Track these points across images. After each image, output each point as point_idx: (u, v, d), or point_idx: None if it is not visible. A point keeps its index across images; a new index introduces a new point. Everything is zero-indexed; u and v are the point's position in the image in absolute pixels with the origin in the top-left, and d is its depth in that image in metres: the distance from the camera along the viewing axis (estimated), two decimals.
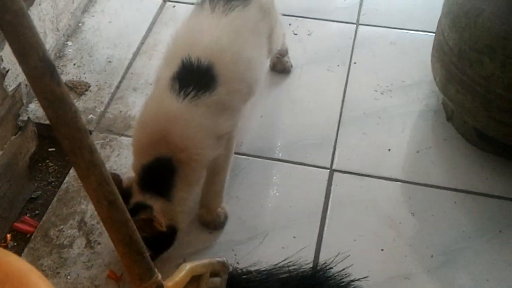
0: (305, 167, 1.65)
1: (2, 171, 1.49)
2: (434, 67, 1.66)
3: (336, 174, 1.63)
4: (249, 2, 1.45)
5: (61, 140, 0.90)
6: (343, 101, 1.82)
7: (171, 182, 1.31)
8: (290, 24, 2.06)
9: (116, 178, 1.26)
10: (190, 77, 1.31)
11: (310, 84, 1.87)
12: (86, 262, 1.44)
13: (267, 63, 1.59)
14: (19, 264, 0.77)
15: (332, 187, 1.60)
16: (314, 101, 1.82)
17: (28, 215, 1.56)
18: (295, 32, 2.04)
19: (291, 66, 1.88)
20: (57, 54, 1.96)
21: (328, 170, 1.64)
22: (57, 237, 1.49)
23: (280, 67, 1.88)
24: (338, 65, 1.92)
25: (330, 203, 1.56)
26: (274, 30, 1.60)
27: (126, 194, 1.26)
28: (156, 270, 1.04)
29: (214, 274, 1.24)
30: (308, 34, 2.04)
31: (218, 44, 1.36)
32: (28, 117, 1.61)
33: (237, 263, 1.40)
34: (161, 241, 1.32)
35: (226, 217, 1.51)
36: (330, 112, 1.79)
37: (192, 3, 1.54)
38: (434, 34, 1.69)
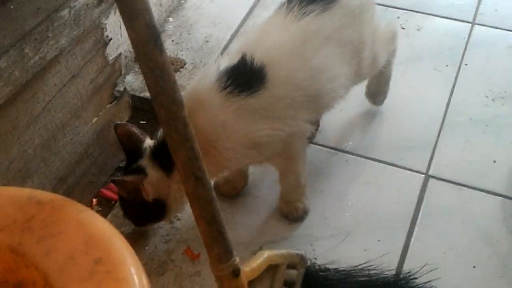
0: (399, 169, 1.57)
1: (96, 137, 1.51)
2: None
3: (431, 180, 1.54)
4: (330, 7, 1.32)
5: (157, 110, 0.89)
6: (448, 104, 1.72)
7: None
8: (398, 17, 1.98)
9: (133, 131, 1.29)
10: (237, 73, 1.24)
11: (413, 82, 1.78)
12: (165, 235, 1.44)
13: (353, 79, 1.41)
14: (104, 226, 0.76)
15: (426, 193, 1.51)
16: (415, 101, 1.73)
17: None
18: (403, 26, 1.95)
19: (384, 100, 1.68)
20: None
21: (424, 176, 1.55)
22: None
23: (372, 90, 1.67)
24: (446, 65, 1.83)
25: (421, 211, 1.47)
26: (367, 41, 1.41)
27: (139, 152, 1.28)
28: (234, 253, 1.01)
29: (291, 266, 1.20)
30: (417, 30, 1.94)
31: (278, 49, 1.27)
32: (125, 88, 1.63)
33: (315, 258, 1.36)
34: (144, 211, 1.30)
35: (305, 212, 1.46)
36: (432, 114, 1.70)
37: None
38: None
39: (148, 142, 1.30)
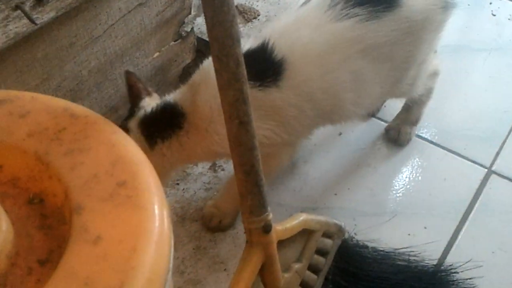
0: (461, 159, 1.48)
1: (154, 73, 1.49)
2: None
3: (493, 176, 1.44)
4: (381, 16, 1.12)
5: (211, 42, 0.84)
6: None
7: (164, 134, 1.17)
8: (490, 3, 1.84)
9: (136, 84, 1.21)
10: (253, 59, 1.10)
11: (494, 72, 1.67)
12: (206, 183, 1.41)
13: (381, 98, 1.30)
14: (135, 151, 0.72)
15: (485, 189, 1.41)
16: (492, 91, 1.62)
17: None
18: (494, 13, 1.82)
19: (408, 142, 1.51)
20: None
21: (486, 170, 1.45)
22: None
23: (393, 136, 1.50)
24: None
25: (477, 205, 1.38)
26: (417, 60, 1.24)
27: (136, 108, 1.19)
28: (269, 208, 0.96)
29: (327, 235, 1.14)
30: (508, 19, 1.81)
31: (304, 47, 1.12)
32: (192, 28, 1.59)
33: (355, 234, 1.29)
34: None
35: (223, 228, 1.32)
36: (507, 107, 1.59)
37: None
38: None
39: (147, 102, 1.21)
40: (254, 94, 1.08)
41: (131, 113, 1.21)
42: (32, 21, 0.95)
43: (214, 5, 0.81)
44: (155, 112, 1.17)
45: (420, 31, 1.19)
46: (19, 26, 0.97)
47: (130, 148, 0.72)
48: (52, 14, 1.04)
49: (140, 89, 1.23)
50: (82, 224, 0.63)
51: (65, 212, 0.67)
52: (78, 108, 0.76)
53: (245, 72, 0.86)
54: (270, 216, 0.97)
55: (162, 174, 1.15)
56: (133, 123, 1.18)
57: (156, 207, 0.66)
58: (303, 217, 1.07)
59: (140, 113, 1.19)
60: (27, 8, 0.96)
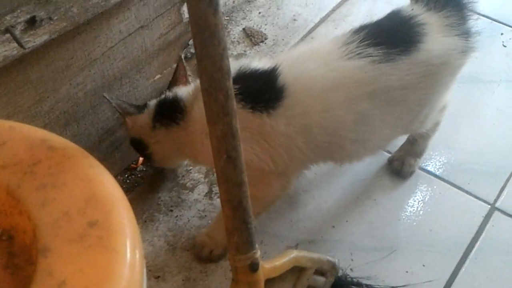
0: (464, 194, 1.43)
1: (155, 95, 1.46)
2: None
3: (496, 213, 1.39)
4: (396, 58, 1.08)
5: (200, 75, 0.81)
6: None
7: (165, 121, 1.23)
8: (502, 34, 1.81)
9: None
10: (254, 80, 1.10)
11: (502, 104, 1.63)
12: (201, 210, 1.38)
13: (390, 139, 1.27)
14: (111, 188, 0.70)
15: (488, 226, 1.37)
16: (500, 125, 1.58)
17: None
18: (505, 44, 1.79)
19: (411, 174, 1.46)
20: None
21: (489, 206, 1.40)
22: (183, 176, 1.45)
23: (396, 167, 1.46)
24: None
25: (478, 243, 1.33)
26: (429, 103, 1.21)
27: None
28: (257, 246, 0.93)
29: (320, 272, 1.11)
30: None
31: (308, 80, 1.09)
32: None
33: (351, 269, 1.26)
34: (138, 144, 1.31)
35: (211, 258, 1.30)
36: None
37: None
38: None
39: (179, 89, 1.26)
40: (246, 115, 1.08)
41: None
42: (21, 45, 0.94)
43: (203, 38, 0.79)
44: (170, 101, 1.23)
45: (437, 75, 1.15)
46: (8, 49, 0.96)
47: (107, 184, 0.70)
48: (45, 37, 1.03)
49: (180, 76, 1.30)
50: (47, 267, 0.60)
51: (33, 252, 0.64)
52: (57, 140, 0.74)
53: (234, 105, 0.84)
54: (258, 254, 0.93)
55: (164, 155, 1.29)
56: (151, 105, 1.26)
57: (128, 250, 0.63)
58: (294, 254, 1.04)
59: (162, 97, 1.26)
60: (18, 31, 0.94)
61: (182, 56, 1.41)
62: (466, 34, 1.15)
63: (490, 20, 1.85)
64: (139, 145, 1.30)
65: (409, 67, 1.10)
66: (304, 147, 1.13)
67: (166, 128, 1.22)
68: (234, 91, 0.83)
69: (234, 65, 1.11)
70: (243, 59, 1.19)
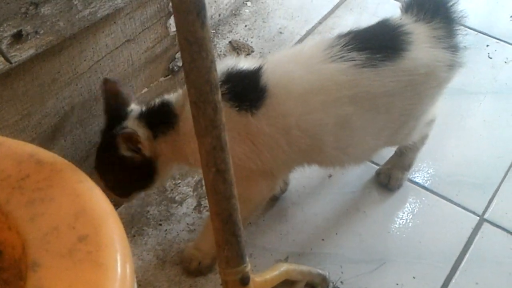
0: (452, 205, 1.43)
1: None
2: None
3: (485, 224, 1.39)
4: (379, 64, 1.08)
5: (188, 88, 0.81)
6: None
7: (159, 129, 1.15)
8: (487, 46, 1.83)
9: (121, 90, 1.18)
10: (240, 78, 1.10)
11: (489, 116, 1.63)
12: (190, 224, 1.37)
13: (376, 149, 1.25)
14: (100, 202, 0.69)
15: (477, 238, 1.37)
16: (487, 136, 1.58)
17: None
18: (490, 56, 1.80)
19: (398, 188, 1.46)
20: (233, 12, 1.91)
21: (478, 218, 1.40)
22: (172, 190, 1.44)
23: (383, 180, 1.46)
24: None
25: (468, 254, 1.33)
26: (416, 114, 1.20)
27: (122, 114, 1.16)
28: (247, 259, 0.93)
29: (311, 285, 1.10)
30: (505, 62, 1.79)
31: (289, 82, 1.09)
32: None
33: (341, 282, 1.25)
34: (133, 174, 1.17)
35: (200, 270, 1.27)
36: (502, 153, 1.54)
37: None
38: None
39: (134, 106, 1.19)
40: (231, 115, 1.06)
41: (113, 120, 1.17)
42: (7, 59, 0.93)
43: (191, 51, 0.79)
44: (153, 108, 1.17)
45: (422, 86, 1.14)
46: None
47: (96, 198, 0.69)
48: (31, 51, 1.02)
49: (125, 95, 1.19)
50: (36, 282, 0.59)
51: (22, 267, 0.63)
52: (45, 154, 0.73)
53: (223, 118, 0.84)
54: (248, 267, 0.93)
55: (168, 165, 1.20)
56: (130, 122, 1.15)
57: (118, 264, 0.63)
58: (284, 267, 1.04)
59: (134, 113, 1.17)
60: (4, 46, 0.94)
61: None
62: (453, 48, 1.15)
63: (476, 32, 1.87)
64: (146, 171, 1.19)
65: (393, 74, 1.09)
66: (287, 148, 1.12)
67: (165, 135, 1.15)
68: (223, 91, 0.82)
69: (222, 66, 1.10)
70: (229, 59, 1.16)
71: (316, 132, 1.11)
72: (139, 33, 1.34)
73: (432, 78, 1.14)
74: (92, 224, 0.65)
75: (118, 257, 0.63)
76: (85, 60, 1.21)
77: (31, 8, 1.00)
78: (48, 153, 0.73)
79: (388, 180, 1.45)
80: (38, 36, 1.03)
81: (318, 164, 1.25)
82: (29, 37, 1.01)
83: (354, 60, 1.07)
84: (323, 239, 1.36)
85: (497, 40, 1.85)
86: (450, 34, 1.15)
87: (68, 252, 0.62)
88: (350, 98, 1.09)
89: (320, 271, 1.11)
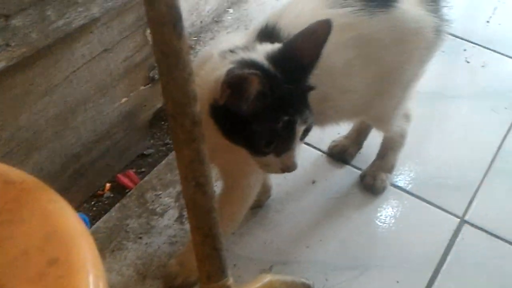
0: (433, 208, 1.44)
1: (121, 119, 1.44)
2: None
3: (466, 226, 1.40)
4: (374, 12, 1.11)
5: (165, 101, 0.80)
6: (499, 148, 1.59)
7: None
8: (465, 50, 1.86)
9: None
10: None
11: (467, 119, 1.66)
12: (172, 236, 1.35)
13: (356, 108, 1.23)
14: (72, 223, 0.66)
15: (458, 239, 1.38)
16: (465, 139, 1.60)
17: (133, 170, 1.50)
18: (468, 60, 1.83)
19: (383, 190, 1.47)
20: (215, 19, 1.89)
21: (459, 220, 1.41)
22: (153, 201, 1.42)
23: (368, 182, 1.47)
24: (505, 108, 1.70)
25: (449, 256, 1.34)
26: (396, 79, 1.21)
27: None
28: (229, 273, 0.91)
29: None
30: (482, 66, 1.81)
31: (296, 26, 1.05)
32: None
33: None
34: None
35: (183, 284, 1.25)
36: (480, 156, 1.57)
37: None
38: None
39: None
40: None
41: None
42: None
43: (168, 63, 0.77)
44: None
45: (411, 44, 1.17)
46: None
47: (68, 219, 0.67)
48: (2, 64, 0.99)
49: None
50: None
51: None
52: (14, 173, 0.70)
53: (202, 131, 0.82)
54: (230, 281, 0.92)
55: None
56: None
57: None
58: (268, 278, 1.03)
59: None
60: None
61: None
62: (439, 15, 1.19)
63: (453, 37, 1.88)
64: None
65: (386, 23, 1.13)
66: None
67: None
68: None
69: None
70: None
71: (330, 75, 1.11)
72: (117, 42, 1.31)
73: (420, 37, 1.17)
74: (63, 246, 0.63)
75: (91, 281, 0.61)
76: (60, 71, 1.18)
77: (1, 20, 0.97)
78: (16, 171, 0.71)
79: (373, 182, 1.46)
80: (9, 49, 1.01)
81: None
82: (0, 49, 0.98)
83: (352, 6, 1.11)
84: (307, 246, 1.35)
85: (474, 45, 1.88)
86: (436, 3, 1.19)
87: (38, 278, 0.59)
88: (354, 39, 1.11)
89: (305, 281, 1.10)
